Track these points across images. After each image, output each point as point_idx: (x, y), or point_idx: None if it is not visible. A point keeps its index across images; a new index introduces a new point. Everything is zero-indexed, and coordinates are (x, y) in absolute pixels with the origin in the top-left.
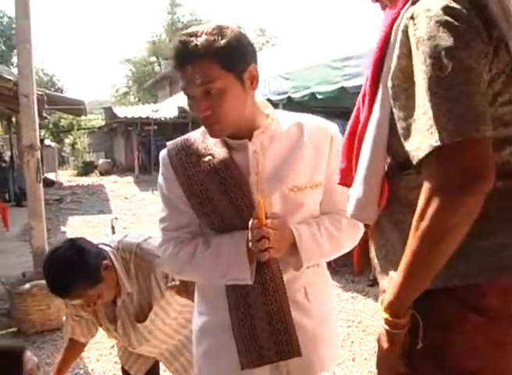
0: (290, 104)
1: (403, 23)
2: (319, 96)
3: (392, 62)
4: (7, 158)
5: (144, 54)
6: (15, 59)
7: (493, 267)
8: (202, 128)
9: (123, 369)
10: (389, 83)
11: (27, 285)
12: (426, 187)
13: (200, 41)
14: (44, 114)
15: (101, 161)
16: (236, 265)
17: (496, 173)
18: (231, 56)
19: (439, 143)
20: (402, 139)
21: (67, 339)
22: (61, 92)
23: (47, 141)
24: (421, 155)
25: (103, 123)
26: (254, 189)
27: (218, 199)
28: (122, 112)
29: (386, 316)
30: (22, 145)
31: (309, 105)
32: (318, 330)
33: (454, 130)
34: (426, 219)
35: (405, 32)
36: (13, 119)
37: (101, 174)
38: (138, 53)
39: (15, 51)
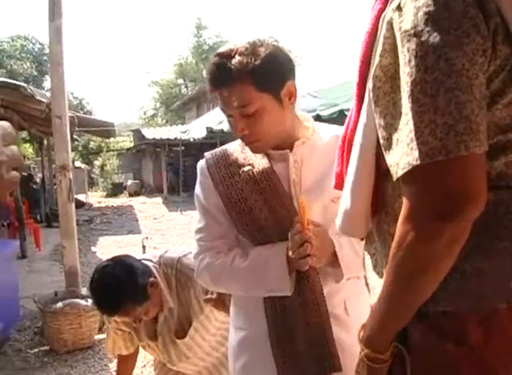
0: (319, 121)
1: (388, 15)
2: (347, 113)
3: (375, 60)
4: (38, 180)
5: (171, 76)
6: (46, 84)
7: (472, 294)
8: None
9: None
10: (370, 85)
11: (60, 304)
12: (403, 211)
13: (234, 63)
14: (75, 136)
15: (129, 182)
16: (274, 275)
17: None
18: (266, 77)
19: (418, 162)
20: (382, 149)
21: (116, 360)
22: (90, 115)
23: (77, 163)
24: (400, 173)
25: (131, 144)
26: (294, 199)
27: (258, 209)
28: (150, 133)
29: (367, 350)
30: (55, 166)
31: (337, 122)
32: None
33: (438, 146)
34: (402, 249)
35: (390, 24)
36: (45, 142)
37: (130, 195)
38: (165, 75)
39: (46, 76)
